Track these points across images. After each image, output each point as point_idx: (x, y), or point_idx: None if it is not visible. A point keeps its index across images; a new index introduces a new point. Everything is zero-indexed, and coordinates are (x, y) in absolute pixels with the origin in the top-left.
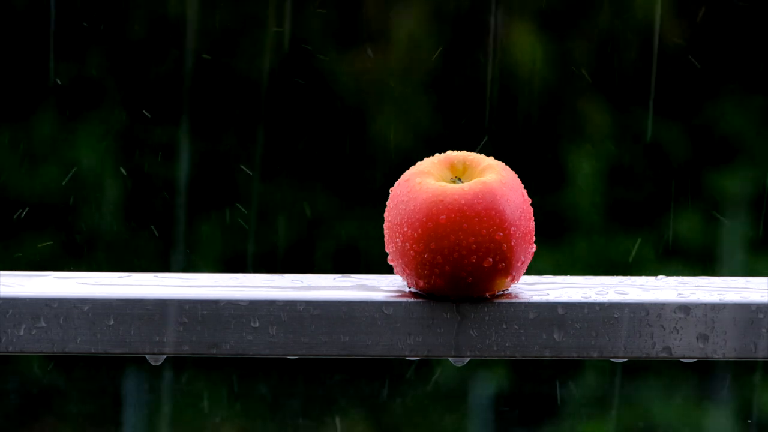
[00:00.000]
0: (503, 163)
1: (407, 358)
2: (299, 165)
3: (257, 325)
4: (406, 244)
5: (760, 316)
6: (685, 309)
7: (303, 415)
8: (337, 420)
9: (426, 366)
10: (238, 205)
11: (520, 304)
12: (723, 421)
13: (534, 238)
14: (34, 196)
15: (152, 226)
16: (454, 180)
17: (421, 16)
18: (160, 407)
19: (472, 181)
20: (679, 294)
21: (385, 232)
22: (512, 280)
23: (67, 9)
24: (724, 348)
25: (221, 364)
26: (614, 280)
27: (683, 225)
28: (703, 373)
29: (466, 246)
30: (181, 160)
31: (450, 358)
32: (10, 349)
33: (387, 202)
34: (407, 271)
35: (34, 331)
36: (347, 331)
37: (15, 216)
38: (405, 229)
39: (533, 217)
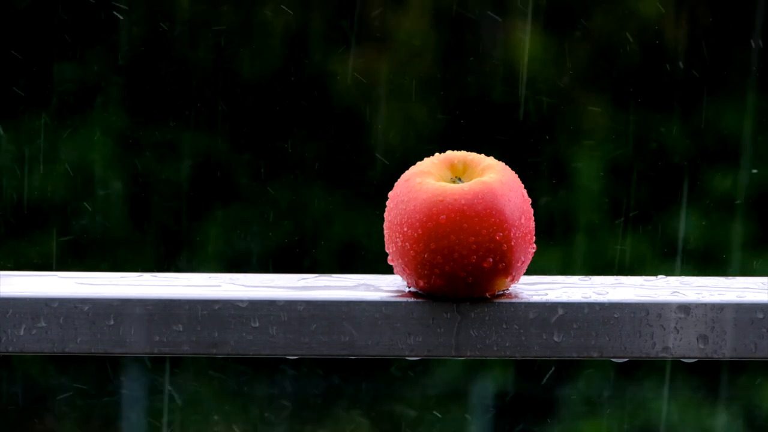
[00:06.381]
0: (503, 163)
1: (407, 358)
2: (299, 165)
3: (257, 325)
4: (406, 244)
5: (760, 316)
6: (685, 309)
7: (303, 415)
8: (337, 420)
9: (426, 366)
10: (238, 204)
11: (520, 304)
12: (723, 421)
13: (534, 238)
14: (35, 196)
15: (152, 226)
16: (454, 180)
17: (420, 15)
18: (160, 407)
19: (472, 181)
20: (679, 294)
21: (385, 232)
22: (512, 280)
23: (68, 9)
24: (724, 348)
25: (221, 363)
26: (614, 280)
27: (683, 225)
28: (703, 373)
29: (466, 246)
30: (181, 160)
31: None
32: (10, 349)
33: (387, 202)
34: (407, 271)
35: (34, 331)
36: (347, 331)
37: (15, 216)
38: (405, 229)
39: (533, 217)
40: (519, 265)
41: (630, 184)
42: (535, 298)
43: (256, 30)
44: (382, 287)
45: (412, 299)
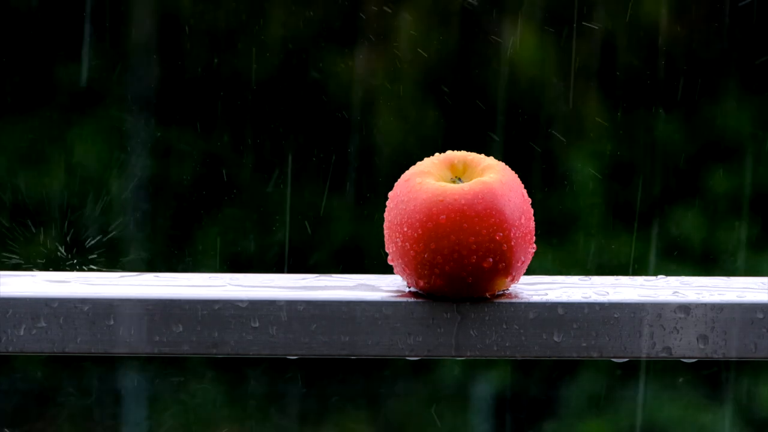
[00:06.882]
0: (503, 163)
1: (407, 358)
2: (299, 165)
3: (257, 325)
4: (406, 244)
5: (760, 316)
6: (685, 309)
7: (302, 415)
8: (337, 420)
9: (426, 366)
10: (238, 205)
11: (520, 304)
12: (723, 421)
13: (534, 238)
14: (35, 196)
15: (153, 226)
16: (454, 180)
17: (421, 15)
18: (160, 407)
19: (472, 181)
20: (679, 294)
21: (385, 232)
22: (512, 280)
23: (68, 9)
24: (724, 348)
25: (221, 363)
26: (614, 280)
27: (683, 225)
28: (703, 373)
29: (466, 246)
30: (181, 160)
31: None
32: (10, 349)
33: (387, 202)
34: (407, 271)
35: (34, 331)
36: (347, 331)
37: (16, 216)
38: (405, 229)
39: (533, 217)
40: (519, 265)
41: (629, 184)
42: (535, 298)
43: (256, 30)
44: (382, 287)
45: (412, 299)
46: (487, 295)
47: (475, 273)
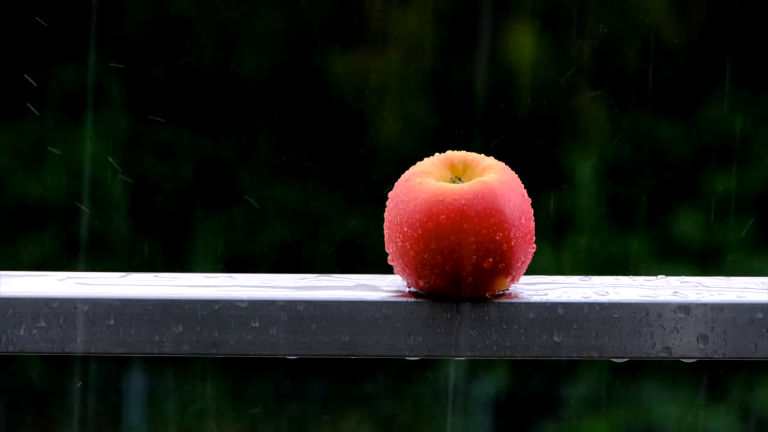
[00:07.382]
0: (503, 163)
1: (407, 358)
2: (299, 164)
3: (257, 325)
4: (406, 244)
5: (760, 316)
6: (685, 309)
7: (303, 415)
8: (337, 420)
9: (426, 366)
10: (238, 204)
11: (520, 304)
12: (723, 421)
13: (534, 238)
14: (35, 196)
15: (152, 226)
16: (454, 180)
17: (420, 15)
18: (160, 407)
19: (472, 181)
20: (679, 294)
21: (385, 232)
22: (512, 280)
23: (67, 9)
24: (724, 348)
25: (221, 363)
26: (614, 280)
27: (683, 225)
28: (703, 373)
29: (466, 246)
30: (181, 160)
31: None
32: (10, 349)
33: (387, 202)
34: (407, 271)
35: (34, 331)
36: (347, 331)
37: (15, 216)
38: (405, 229)
39: (533, 217)
40: (519, 265)
41: (629, 184)
42: (535, 298)
43: (255, 29)
44: (382, 287)
45: (412, 299)
46: (487, 295)
47: (475, 273)
